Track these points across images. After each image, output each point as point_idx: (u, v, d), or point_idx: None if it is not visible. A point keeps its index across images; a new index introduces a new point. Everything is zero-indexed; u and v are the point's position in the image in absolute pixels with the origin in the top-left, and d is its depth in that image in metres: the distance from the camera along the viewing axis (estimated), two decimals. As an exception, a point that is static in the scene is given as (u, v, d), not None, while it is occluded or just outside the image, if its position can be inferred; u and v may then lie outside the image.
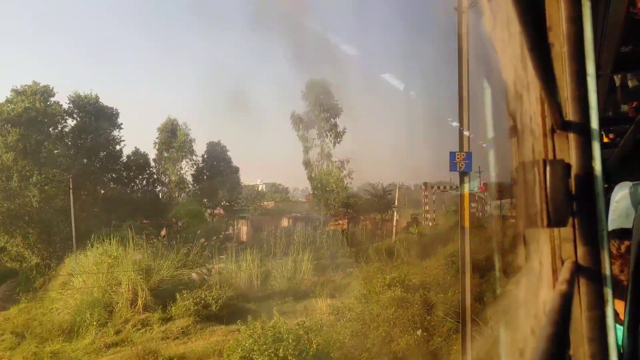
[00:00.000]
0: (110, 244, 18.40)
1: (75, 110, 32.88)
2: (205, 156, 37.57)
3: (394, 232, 29.35)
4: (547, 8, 0.82)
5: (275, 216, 36.80)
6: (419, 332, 12.05)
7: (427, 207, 31.34)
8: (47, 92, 30.82)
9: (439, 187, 31.53)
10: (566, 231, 0.85)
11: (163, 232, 21.30)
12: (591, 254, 0.83)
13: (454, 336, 12.24)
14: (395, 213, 31.59)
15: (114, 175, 35.02)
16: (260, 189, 47.09)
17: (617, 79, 4.72)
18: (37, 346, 14.52)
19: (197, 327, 13.74)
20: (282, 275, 18.33)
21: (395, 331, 12.11)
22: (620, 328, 1.40)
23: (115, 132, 34.55)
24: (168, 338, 13.82)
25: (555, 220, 0.72)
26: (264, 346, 10.43)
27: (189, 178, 37.19)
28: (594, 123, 0.83)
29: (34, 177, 27.97)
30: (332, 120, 35.80)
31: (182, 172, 36.46)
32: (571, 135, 0.84)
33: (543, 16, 0.80)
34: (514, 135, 1.04)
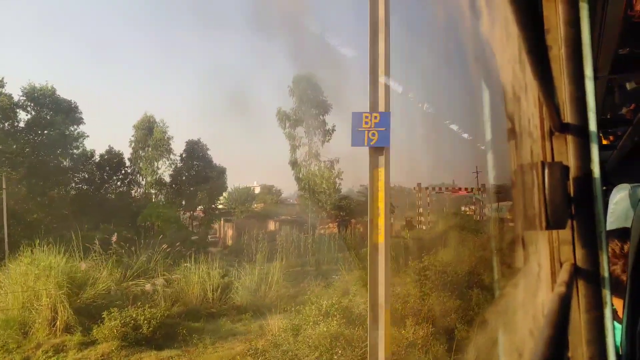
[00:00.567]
0: (43, 252, 15.85)
1: (29, 104, 29.61)
2: (184, 155, 35.21)
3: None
4: (545, 10, 0.82)
5: (262, 219, 35.38)
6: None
7: (420, 210, 29.99)
8: (-6, 83, 27.58)
9: (433, 189, 30.22)
10: (565, 233, 0.85)
11: (114, 238, 18.51)
12: (590, 256, 0.83)
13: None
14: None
15: (85, 175, 32.69)
16: (256, 191, 45.56)
17: (615, 81, 4.73)
18: None
19: (122, 353, 11.45)
20: (246, 287, 16.36)
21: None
22: (618, 327, 1.40)
23: (81, 128, 31.87)
24: (80, 368, 11.19)
25: (553, 223, 0.72)
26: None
27: (168, 179, 35.08)
28: (592, 125, 0.83)
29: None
30: (321, 117, 34.14)
31: (159, 172, 34.35)
32: (569, 138, 0.84)
33: (541, 19, 0.80)
34: (513, 138, 1.04)
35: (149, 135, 33.09)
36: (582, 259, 0.83)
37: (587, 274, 0.83)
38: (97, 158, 32.85)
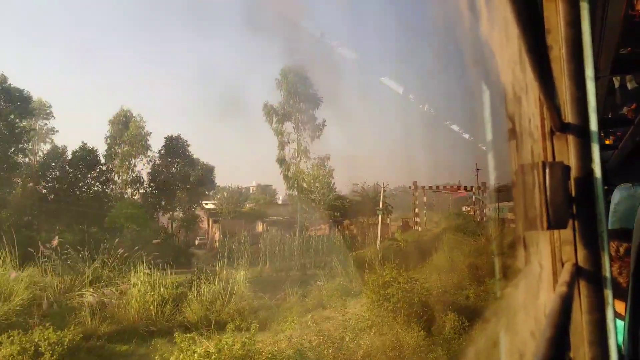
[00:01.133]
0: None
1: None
2: (162, 151, 32.49)
3: (378, 238, 25.93)
4: (546, 11, 0.82)
5: (252, 220, 33.67)
6: None
7: (416, 210, 28.49)
8: None
9: (430, 187, 28.82)
10: (566, 233, 0.84)
11: (54, 241, 16.08)
12: (591, 256, 0.83)
13: None
14: (380, 217, 27.63)
15: (57, 173, 30.08)
16: (252, 190, 43.65)
17: (616, 81, 4.72)
18: None
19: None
20: (201, 300, 14.24)
21: None
22: (619, 322, 1.40)
23: (52, 123, 30.60)
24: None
25: (555, 223, 0.72)
26: None
27: (146, 177, 32.70)
28: (593, 125, 0.83)
29: None
30: (311, 111, 32.17)
31: (136, 169, 32.02)
32: (570, 138, 0.84)
33: (541, 19, 0.80)
34: (513, 138, 1.04)
35: (125, 130, 31.16)
36: (584, 259, 0.83)
37: (588, 274, 0.83)
38: (69, 155, 30.77)
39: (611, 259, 1.96)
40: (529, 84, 0.90)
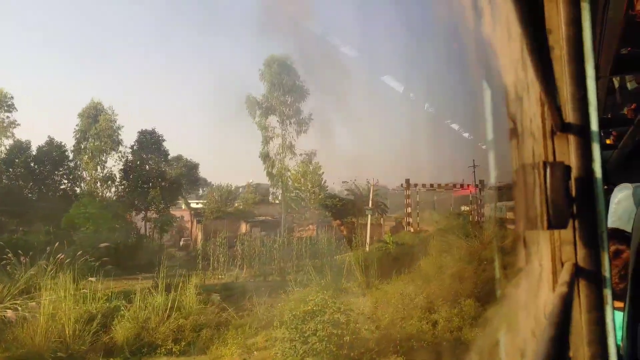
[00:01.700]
0: None
1: None
2: (136, 147, 29.58)
3: (367, 240, 24.15)
4: (547, 11, 0.82)
5: (237, 220, 31.36)
6: None
7: (408, 210, 26.43)
8: None
9: (423, 186, 26.82)
10: (566, 233, 0.85)
11: None
12: (591, 256, 0.83)
13: None
14: (369, 217, 25.72)
15: (21, 170, 27.73)
16: (241, 189, 40.42)
17: (616, 81, 4.73)
18: None
19: None
20: (137, 316, 12.05)
21: None
22: (619, 314, 1.40)
23: (14, 115, 27.85)
24: None
25: (555, 223, 0.72)
26: None
27: (117, 174, 29.88)
28: (594, 125, 0.83)
29: None
30: (297, 104, 29.87)
31: (107, 166, 29.37)
32: (571, 137, 0.84)
33: (543, 19, 0.80)
34: (514, 137, 1.04)
35: (95, 124, 28.66)
36: (584, 258, 0.83)
37: (588, 274, 0.83)
38: (34, 150, 28.52)
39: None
40: (530, 84, 0.90)
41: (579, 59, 0.82)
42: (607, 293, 0.83)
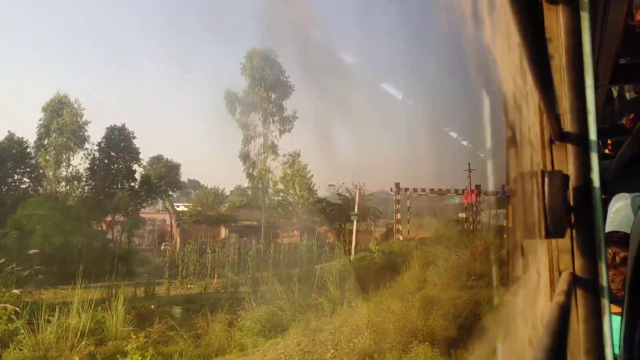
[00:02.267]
0: None
1: None
2: (103, 144, 27.30)
3: (352, 248, 22.38)
4: (547, 20, 0.83)
5: (218, 224, 29.82)
6: None
7: (398, 216, 24.70)
8: None
9: (415, 190, 24.97)
10: (564, 242, 0.85)
11: None
12: (588, 265, 0.83)
13: None
14: (355, 223, 23.86)
15: None
16: (236, 192, 37.86)
17: (614, 91, 4.74)
18: None
19: None
20: (39, 340, 9.98)
21: None
22: (616, 318, 1.40)
23: None
24: None
25: (553, 231, 0.72)
26: None
27: (79, 173, 27.37)
28: (592, 134, 0.83)
29: None
30: (280, 101, 28.01)
31: (71, 164, 26.93)
32: (569, 147, 0.84)
33: (542, 28, 0.80)
34: (513, 146, 1.04)
35: (59, 118, 26.32)
36: (581, 267, 0.83)
37: (586, 283, 0.83)
38: None
39: (607, 266, 1.97)
40: (529, 93, 0.90)
41: (578, 68, 0.82)
42: (605, 302, 0.83)
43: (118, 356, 9.11)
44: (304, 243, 22.90)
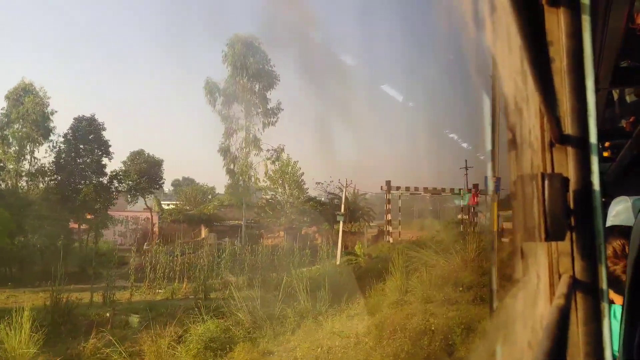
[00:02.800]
0: None
1: None
2: (69, 136, 24.75)
3: (338, 251, 20.79)
4: (548, 23, 0.83)
5: (197, 224, 27.78)
6: None
7: (389, 217, 22.87)
8: None
9: (407, 189, 23.39)
10: (564, 245, 0.85)
11: None
12: (588, 268, 0.83)
13: None
14: (341, 224, 22.34)
15: None
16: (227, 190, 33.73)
17: (615, 94, 4.75)
18: None
19: None
20: None
21: None
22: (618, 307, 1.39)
23: None
24: None
25: (553, 234, 0.72)
26: None
27: (43, 168, 24.88)
28: (593, 137, 0.83)
29: None
30: (264, 92, 26.00)
31: (35, 157, 24.65)
32: (570, 149, 0.84)
33: (544, 31, 0.80)
34: (513, 148, 1.04)
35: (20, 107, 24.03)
36: (581, 271, 0.83)
37: (585, 286, 0.83)
38: None
39: (617, 257, 1.97)
40: (530, 95, 0.90)
41: (579, 71, 0.82)
42: (604, 305, 0.83)
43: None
44: (290, 245, 21.70)
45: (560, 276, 0.86)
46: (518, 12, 0.57)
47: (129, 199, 28.53)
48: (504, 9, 0.70)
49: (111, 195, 26.07)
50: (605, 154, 5.49)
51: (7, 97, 24.23)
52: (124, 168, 26.93)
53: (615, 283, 1.87)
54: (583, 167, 0.83)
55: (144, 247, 25.03)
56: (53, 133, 24.49)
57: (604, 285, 0.83)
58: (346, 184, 24.51)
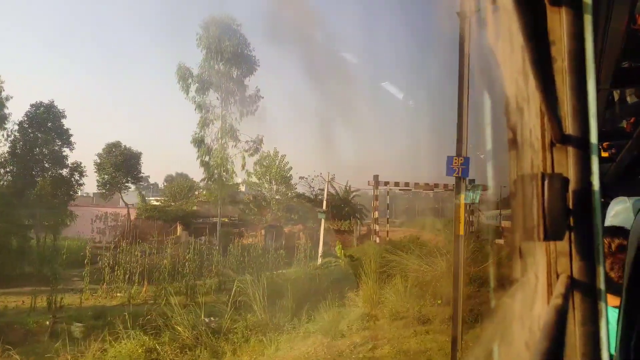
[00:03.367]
0: None
1: None
2: (25, 123, 22.78)
3: (319, 252, 19.51)
4: (550, 22, 0.83)
5: (173, 221, 25.93)
6: None
7: (376, 214, 21.26)
8: None
9: (396, 184, 21.49)
10: (562, 245, 0.85)
11: None
12: (586, 269, 0.83)
13: None
14: (322, 222, 20.92)
15: None
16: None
17: (616, 94, 4.75)
18: None
19: None
20: None
21: None
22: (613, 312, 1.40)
23: None
24: None
25: (551, 234, 0.72)
26: None
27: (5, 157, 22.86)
28: (593, 138, 0.83)
29: None
30: (242, 79, 24.18)
31: None
32: (570, 149, 0.84)
33: (545, 31, 0.80)
34: (514, 148, 1.04)
35: None
36: (579, 271, 0.83)
37: (583, 287, 0.83)
38: None
39: (605, 255, 1.98)
40: (531, 95, 0.90)
41: (581, 71, 0.82)
42: (602, 306, 0.83)
43: None
44: (265, 245, 20.37)
45: (558, 276, 0.86)
46: (520, 12, 0.57)
47: (106, 194, 27.07)
48: (506, 9, 0.70)
49: (72, 189, 24.43)
50: (606, 154, 5.50)
51: None
52: (99, 161, 25.78)
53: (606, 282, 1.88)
54: (583, 168, 0.83)
55: (112, 245, 23.51)
56: (8, 121, 22.40)
57: (601, 285, 0.84)
58: (328, 178, 23.01)
